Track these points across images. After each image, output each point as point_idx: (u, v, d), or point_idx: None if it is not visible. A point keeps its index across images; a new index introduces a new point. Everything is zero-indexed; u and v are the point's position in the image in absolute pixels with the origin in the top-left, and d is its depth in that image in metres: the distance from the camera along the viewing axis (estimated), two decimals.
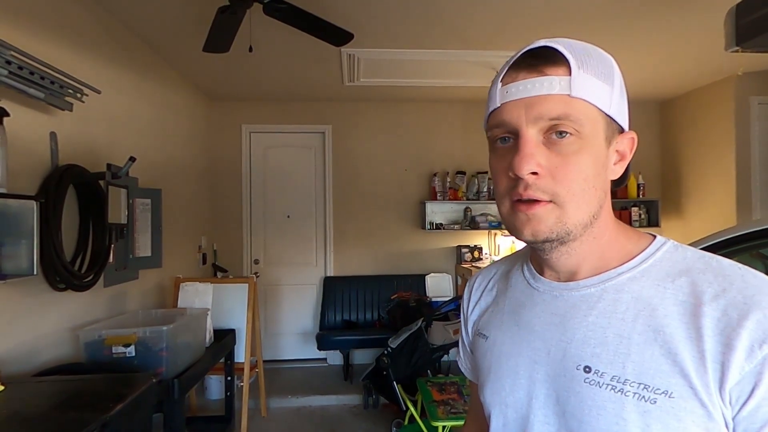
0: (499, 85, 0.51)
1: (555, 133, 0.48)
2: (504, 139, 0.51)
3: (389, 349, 2.90)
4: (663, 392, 0.43)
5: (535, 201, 0.48)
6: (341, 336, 3.72)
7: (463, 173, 4.12)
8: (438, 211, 4.17)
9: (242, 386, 2.82)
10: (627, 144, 0.53)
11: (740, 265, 0.47)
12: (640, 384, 0.45)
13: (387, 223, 4.24)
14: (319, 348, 3.72)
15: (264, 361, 3.54)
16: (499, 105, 0.50)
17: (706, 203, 3.81)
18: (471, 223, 4.06)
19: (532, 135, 0.48)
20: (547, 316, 0.54)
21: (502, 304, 0.61)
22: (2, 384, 1.39)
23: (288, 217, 4.22)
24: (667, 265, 0.49)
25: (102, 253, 2.09)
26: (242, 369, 2.83)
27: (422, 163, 4.21)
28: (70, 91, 1.85)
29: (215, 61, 2.94)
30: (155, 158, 2.94)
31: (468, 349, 0.69)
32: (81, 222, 2.06)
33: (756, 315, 0.42)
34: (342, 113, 4.19)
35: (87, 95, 1.99)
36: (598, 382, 0.47)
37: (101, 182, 2.10)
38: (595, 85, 0.48)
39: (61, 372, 1.74)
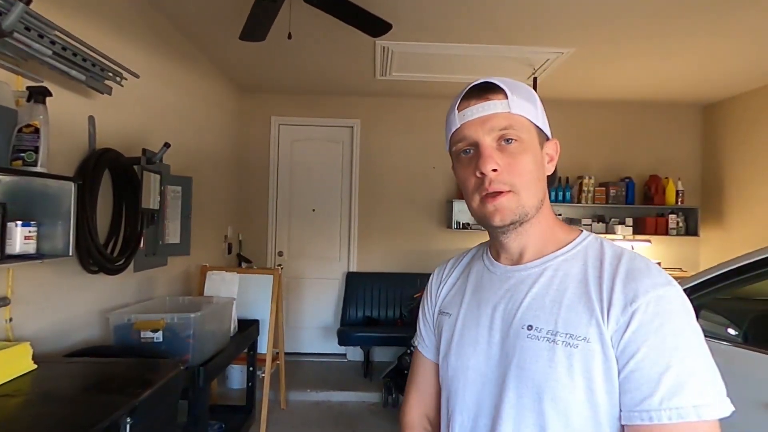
0: (456, 111, 0.67)
1: (504, 140, 0.64)
2: (466, 151, 0.67)
3: (412, 348, 2.85)
4: (582, 338, 0.59)
5: (499, 192, 0.63)
6: (362, 332, 3.68)
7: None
8: (465, 210, 4.10)
9: (263, 377, 2.82)
10: (552, 147, 0.70)
11: (636, 253, 0.65)
12: (567, 334, 0.60)
13: (412, 220, 4.19)
14: (340, 343, 3.70)
15: (285, 354, 3.54)
16: (459, 125, 0.67)
17: (750, 215, 3.61)
18: None
19: (488, 143, 0.64)
20: (502, 291, 0.69)
21: (464, 287, 0.76)
22: (35, 363, 1.40)
23: (313, 210, 4.21)
24: (589, 251, 0.66)
25: (134, 238, 2.10)
26: (264, 360, 2.83)
27: (450, 161, 4.12)
28: (110, 74, 1.86)
29: (248, 52, 2.93)
30: (186, 146, 2.96)
31: (431, 327, 0.82)
32: (114, 206, 2.08)
33: (630, 284, 0.59)
34: (371, 108, 4.15)
35: (126, 79, 2.00)
36: (537, 336, 0.62)
37: (135, 167, 2.11)
38: (525, 105, 0.65)
39: (91, 354, 1.75)
